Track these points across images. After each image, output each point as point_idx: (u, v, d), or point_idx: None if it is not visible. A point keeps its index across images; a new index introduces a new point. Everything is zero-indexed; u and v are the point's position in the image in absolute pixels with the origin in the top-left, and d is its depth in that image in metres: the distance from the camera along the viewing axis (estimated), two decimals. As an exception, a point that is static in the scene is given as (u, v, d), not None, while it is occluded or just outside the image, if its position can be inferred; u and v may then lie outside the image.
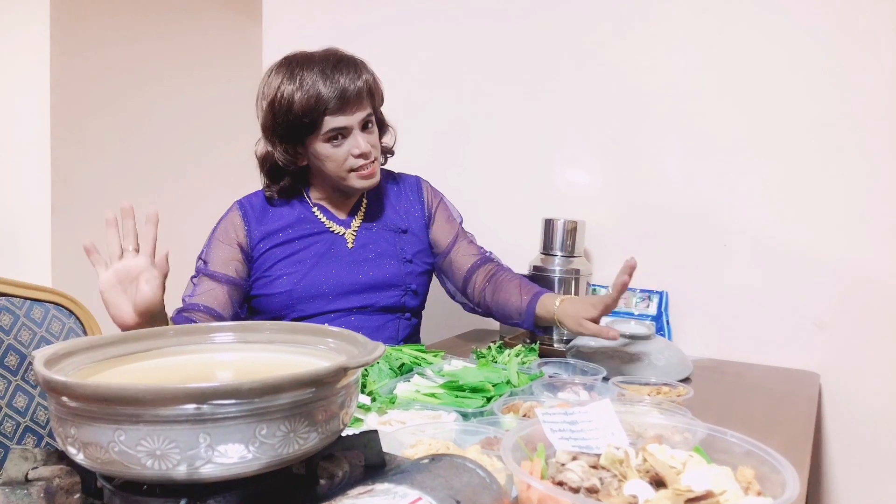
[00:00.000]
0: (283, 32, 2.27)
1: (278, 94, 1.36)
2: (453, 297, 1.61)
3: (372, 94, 1.43)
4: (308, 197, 1.51)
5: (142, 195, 1.94)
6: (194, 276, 1.45)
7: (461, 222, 1.61)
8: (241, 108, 2.26)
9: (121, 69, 1.87)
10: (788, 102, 1.61)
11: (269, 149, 1.43)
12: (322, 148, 1.39)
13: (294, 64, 1.38)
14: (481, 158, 1.97)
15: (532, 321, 1.41)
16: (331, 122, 1.36)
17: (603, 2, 1.80)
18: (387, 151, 1.55)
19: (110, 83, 1.84)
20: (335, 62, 1.39)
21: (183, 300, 1.40)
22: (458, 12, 1.98)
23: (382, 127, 1.52)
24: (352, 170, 1.41)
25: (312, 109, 1.34)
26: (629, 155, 1.79)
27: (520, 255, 1.70)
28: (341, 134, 1.38)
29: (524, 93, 1.90)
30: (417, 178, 1.62)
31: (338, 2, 2.16)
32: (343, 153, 1.39)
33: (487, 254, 1.57)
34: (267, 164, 1.47)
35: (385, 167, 1.58)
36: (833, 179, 1.58)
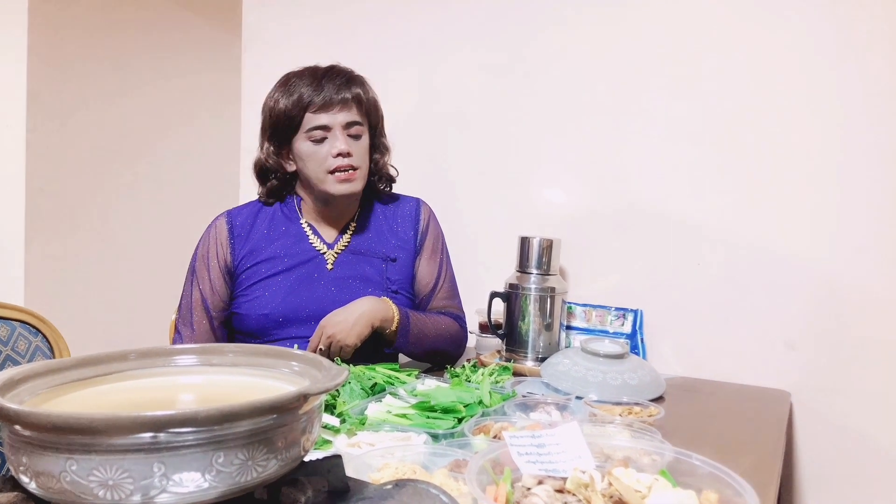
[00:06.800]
0: (261, 46, 2.27)
1: (271, 100, 1.43)
2: None
3: (363, 106, 1.43)
4: (299, 212, 1.50)
5: (119, 209, 1.92)
6: (185, 322, 1.44)
7: (446, 266, 1.55)
8: (220, 120, 2.26)
9: (98, 80, 1.85)
10: (760, 125, 1.63)
11: (260, 152, 1.47)
12: (304, 146, 1.40)
13: (292, 76, 1.44)
14: (458, 177, 1.97)
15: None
16: (312, 119, 1.39)
17: (581, 23, 1.82)
18: (385, 172, 1.52)
19: (87, 95, 1.83)
20: (326, 71, 1.43)
21: None
22: (436, 36, 1.99)
23: (379, 146, 1.51)
24: (331, 171, 1.39)
25: (295, 106, 1.39)
26: (605, 174, 1.80)
27: (496, 272, 1.71)
28: (323, 132, 1.39)
29: (502, 111, 1.92)
30: (418, 201, 1.57)
31: (316, 21, 2.16)
32: (323, 152, 1.39)
33: (455, 313, 1.53)
34: (257, 168, 1.50)
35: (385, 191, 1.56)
36: (804, 203, 1.60)
